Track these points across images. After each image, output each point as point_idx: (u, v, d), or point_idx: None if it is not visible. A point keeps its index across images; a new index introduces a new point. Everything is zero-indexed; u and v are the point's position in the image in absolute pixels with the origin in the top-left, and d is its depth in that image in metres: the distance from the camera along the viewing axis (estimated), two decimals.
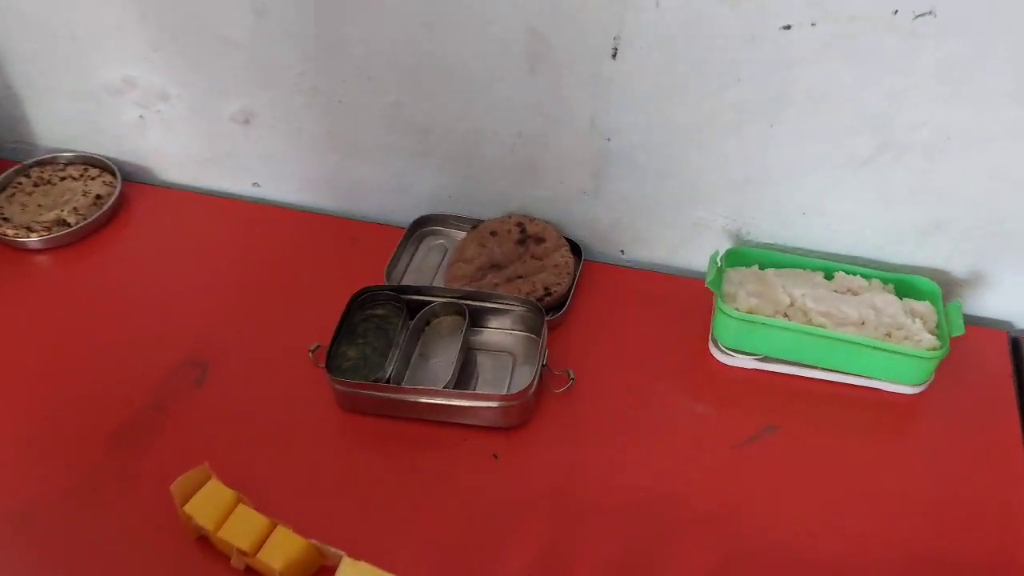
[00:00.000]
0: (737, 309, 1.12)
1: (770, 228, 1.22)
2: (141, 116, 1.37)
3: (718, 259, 1.17)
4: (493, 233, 1.30)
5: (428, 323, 1.20)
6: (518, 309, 1.18)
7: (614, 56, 1.09)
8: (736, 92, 1.08)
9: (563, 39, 1.09)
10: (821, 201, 1.16)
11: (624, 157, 1.19)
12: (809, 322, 1.12)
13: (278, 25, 1.19)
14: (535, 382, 1.06)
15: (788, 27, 1.01)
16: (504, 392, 1.11)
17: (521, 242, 1.29)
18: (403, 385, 1.10)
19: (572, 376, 1.12)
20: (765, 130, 1.11)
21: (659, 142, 1.16)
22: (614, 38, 1.07)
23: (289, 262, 1.32)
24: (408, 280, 1.28)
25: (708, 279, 1.14)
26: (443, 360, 1.15)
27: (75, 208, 1.35)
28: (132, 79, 1.32)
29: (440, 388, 1.07)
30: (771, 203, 1.19)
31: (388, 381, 1.09)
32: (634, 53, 1.08)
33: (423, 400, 1.07)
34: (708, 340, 1.18)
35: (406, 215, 1.30)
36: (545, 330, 1.13)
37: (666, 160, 1.18)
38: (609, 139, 1.18)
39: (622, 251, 1.32)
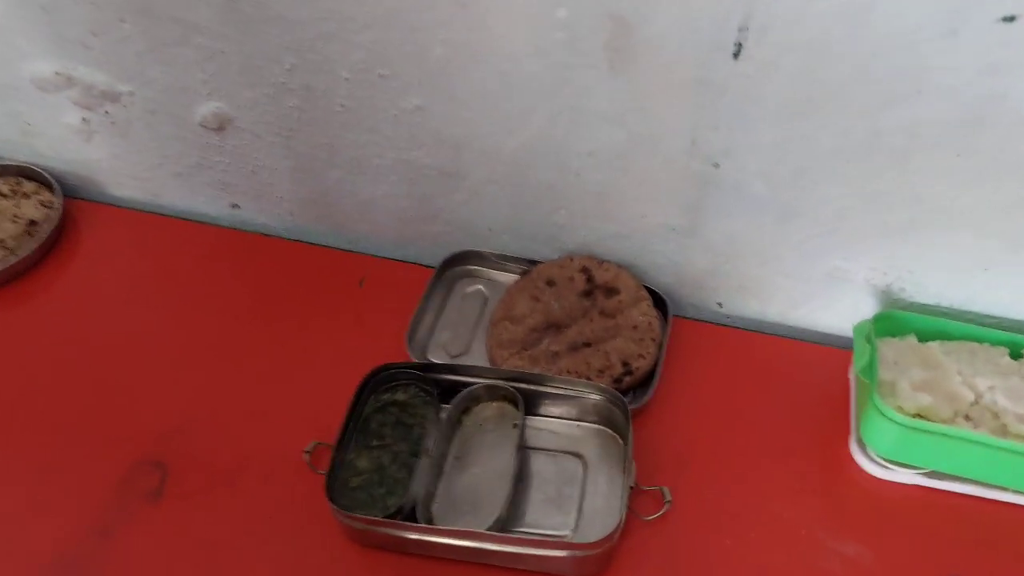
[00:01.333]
0: (901, 409, 0.81)
1: (935, 285, 0.90)
2: (84, 119, 1.04)
3: (868, 333, 0.84)
4: (550, 282, 0.98)
5: (466, 410, 0.89)
6: (592, 397, 0.86)
7: (736, 55, 0.75)
8: (912, 109, 0.75)
9: (659, 29, 0.76)
10: (1015, 254, 0.83)
11: (735, 187, 0.87)
12: (1003, 428, 0.80)
13: (256, 4, 0.85)
14: (621, 521, 0.75)
15: (1011, 18, 0.67)
16: (573, 523, 0.81)
17: (587, 294, 0.97)
18: (435, 523, 0.79)
19: (668, 497, 0.81)
20: (949, 161, 0.78)
21: (788, 171, 0.83)
22: (738, 29, 0.73)
23: (278, 312, 1.01)
24: (439, 341, 0.97)
25: (858, 362, 0.82)
26: (488, 471, 0.84)
27: (0, 240, 1.03)
28: (67, 73, 0.99)
29: (486, 530, 0.76)
30: (942, 254, 0.86)
31: (414, 511, 0.78)
32: (765, 50, 0.74)
33: (464, 544, 0.77)
34: (850, 440, 0.87)
35: (432, 251, 1.04)
36: (631, 431, 0.82)
37: (796, 194, 0.85)
38: (717, 165, 0.85)
39: (719, 304, 1.00)
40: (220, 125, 1.00)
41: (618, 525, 0.75)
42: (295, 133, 0.98)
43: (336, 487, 0.80)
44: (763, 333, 0.98)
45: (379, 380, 0.88)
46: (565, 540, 0.78)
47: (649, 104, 0.82)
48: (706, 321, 1.00)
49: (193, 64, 0.93)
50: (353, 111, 0.93)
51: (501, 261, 1.03)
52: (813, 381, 0.93)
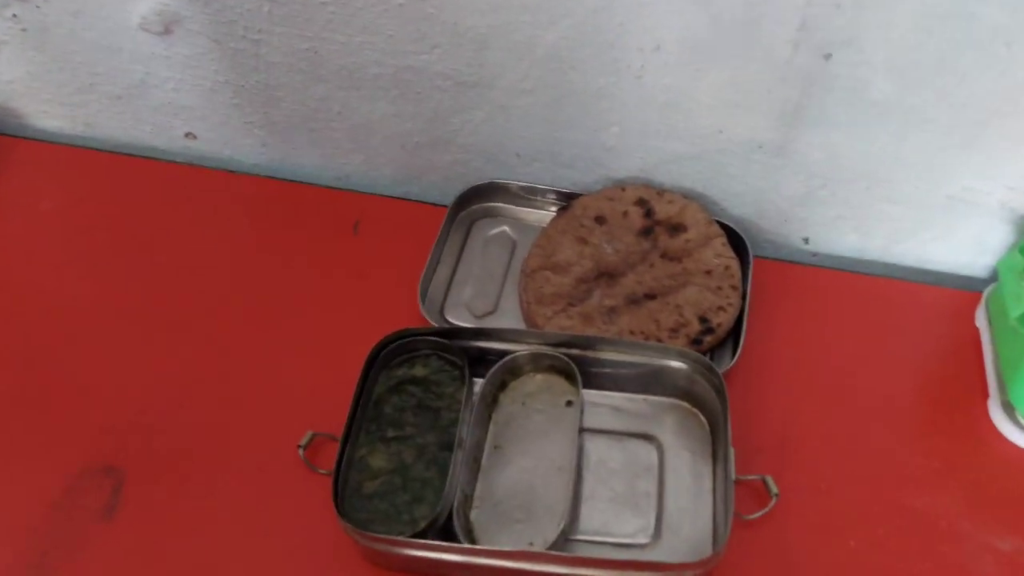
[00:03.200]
0: None
1: None
2: None
3: (1021, 264, 0.66)
4: (600, 219, 0.77)
5: (504, 386, 0.69)
6: (670, 364, 0.67)
7: None
8: None
9: None
10: None
11: (851, 87, 0.67)
12: None
13: None
14: (727, 527, 0.57)
15: None
16: (652, 527, 0.63)
17: (647, 232, 0.77)
18: (476, 535, 0.61)
19: (774, 489, 0.63)
20: None
21: (928, 62, 0.64)
22: None
23: (253, 269, 0.80)
24: (459, 299, 0.77)
25: (1014, 308, 0.64)
26: (539, 464, 0.65)
27: None
28: None
29: (550, 548, 0.57)
30: None
31: (449, 518, 0.59)
32: None
33: (524, 567, 0.58)
34: (989, 405, 0.69)
35: (443, 186, 0.84)
36: (727, 409, 0.63)
37: (932, 95, 0.66)
38: (830, 55, 0.65)
39: (806, 240, 0.81)
40: (166, 27, 0.77)
41: (722, 534, 0.57)
42: (266, 35, 0.76)
43: (347, 495, 0.61)
44: (858, 273, 0.80)
45: (391, 352, 0.67)
46: (661, 562, 0.59)
47: None
48: (788, 261, 0.81)
49: None
50: (341, 2, 0.71)
51: (530, 196, 0.83)
52: (931, 330, 0.76)
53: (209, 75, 0.81)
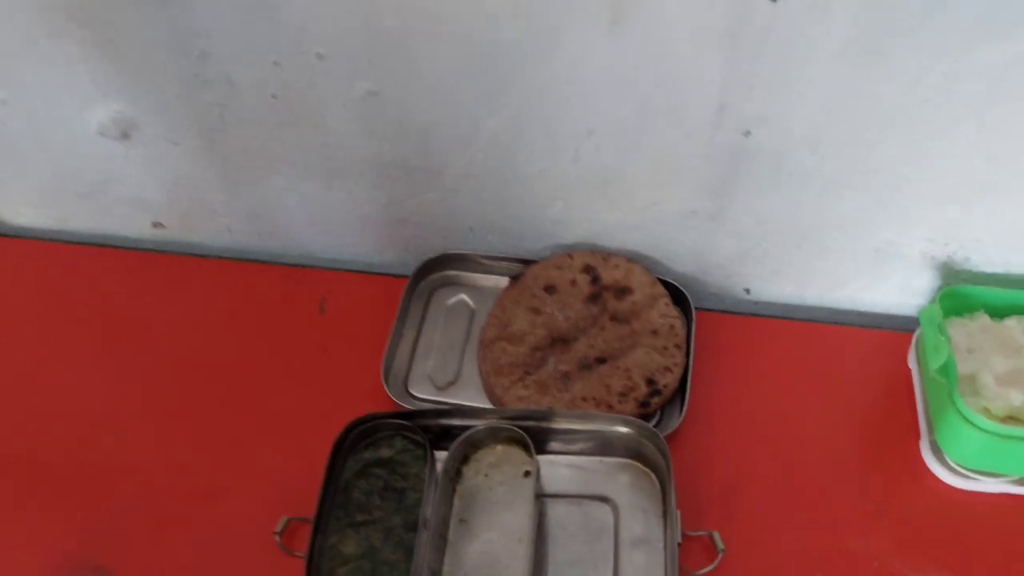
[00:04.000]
0: (987, 412, 0.67)
1: (1002, 252, 0.76)
2: None
3: (940, 322, 0.70)
4: (550, 288, 0.82)
5: (466, 459, 0.73)
6: (618, 430, 0.72)
7: None
8: (999, 49, 0.59)
9: None
10: None
11: (773, 159, 0.72)
12: None
13: None
14: None
15: None
16: None
17: (595, 297, 0.81)
18: None
19: (720, 545, 0.67)
20: None
21: (838, 136, 0.68)
22: None
23: (224, 352, 0.84)
24: (422, 370, 0.81)
25: (933, 360, 0.68)
26: (502, 534, 0.69)
27: None
28: None
29: None
30: (1015, 218, 0.72)
31: None
32: None
33: None
34: (921, 445, 0.74)
35: (404, 259, 0.88)
36: (671, 474, 0.67)
37: (846, 162, 0.71)
38: (748, 133, 0.69)
39: (747, 290, 0.85)
40: (124, 132, 0.80)
41: None
42: (220, 135, 0.79)
43: None
44: (798, 320, 0.84)
45: (357, 436, 0.71)
46: None
47: (664, 67, 0.65)
48: (731, 312, 0.85)
49: (76, 60, 0.74)
50: (290, 103, 0.75)
51: (487, 262, 0.87)
52: (866, 373, 0.80)
53: (170, 172, 0.84)
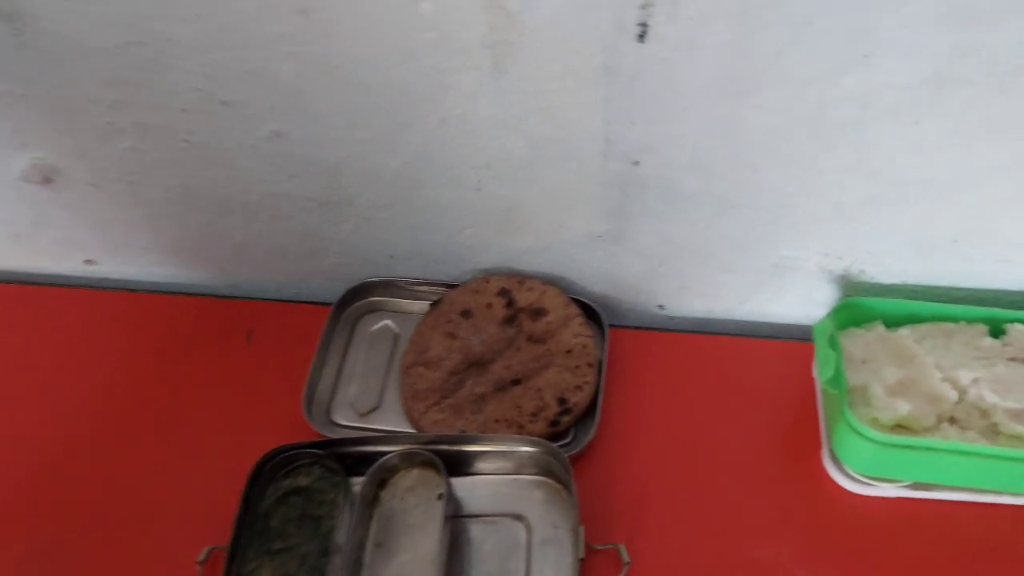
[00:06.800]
0: (877, 422, 0.70)
1: (898, 263, 0.79)
2: None
3: (832, 335, 0.73)
4: (466, 313, 0.84)
5: (383, 484, 0.76)
6: (524, 449, 0.74)
7: (642, 36, 0.61)
8: (862, 75, 0.62)
9: (545, 16, 0.62)
10: (988, 221, 0.73)
11: (662, 185, 0.74)
12: (993, 428, 0.70)
13: (50, 36, 0.68)
14: None
15: None
16: None
17: (510, 320, 0.84)
18: None
19: (626, 558, 0.70)
20: (907, 129, 0.66)
21: (722, 160, 0.71)
22: (640, 7, 0.60)
23: (152, 384, 0.86)
24: (344, 398, 0.83)
25: (823, 373, 0.71)
26: (416, 556, 0.72)
27: None
28: None
29: None
30: (904, 229, 0.75)
31: None
32: (677, 27, 0.61)
33: None
34: (822, 454, 0.76)
35: (329, 287, 0.91)
36: (574, 485, 0.70)
37: (731, 184, 0.73)
38: (637, 162, 0.72)
39: (661, 306, 0.88)
40: (46, 178, 0.83)
41: None
42: (140, 178, 0.82)
43: None
44: (712, 334, 0.87)
45: (274, 465, 0.74)
46: None
47: (548, 104, 0.68)
48: (649, 328, 0.88)
49: None
50: (202, 146, 0.77)
51: (410, 287, 0.89)
52: (773, 384, 0.82)
53: (95, 214, 0.86)
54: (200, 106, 0.73)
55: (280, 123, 0.74)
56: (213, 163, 0.79)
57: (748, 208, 0.75)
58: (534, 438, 0.73)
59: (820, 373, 0.72)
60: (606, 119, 0.68)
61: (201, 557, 0.71)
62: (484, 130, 0.71)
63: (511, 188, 0.76)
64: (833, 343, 0.72)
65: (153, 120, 0.75)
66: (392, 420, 0.81)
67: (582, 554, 0.68)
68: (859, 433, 0.68)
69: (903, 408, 0.70)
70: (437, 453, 0.74)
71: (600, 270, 0.84)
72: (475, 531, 0.74)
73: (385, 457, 0.74)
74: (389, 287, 0.89)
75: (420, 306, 0.89)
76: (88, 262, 0.94)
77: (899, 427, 0.71)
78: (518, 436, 0.74)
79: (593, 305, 0.85)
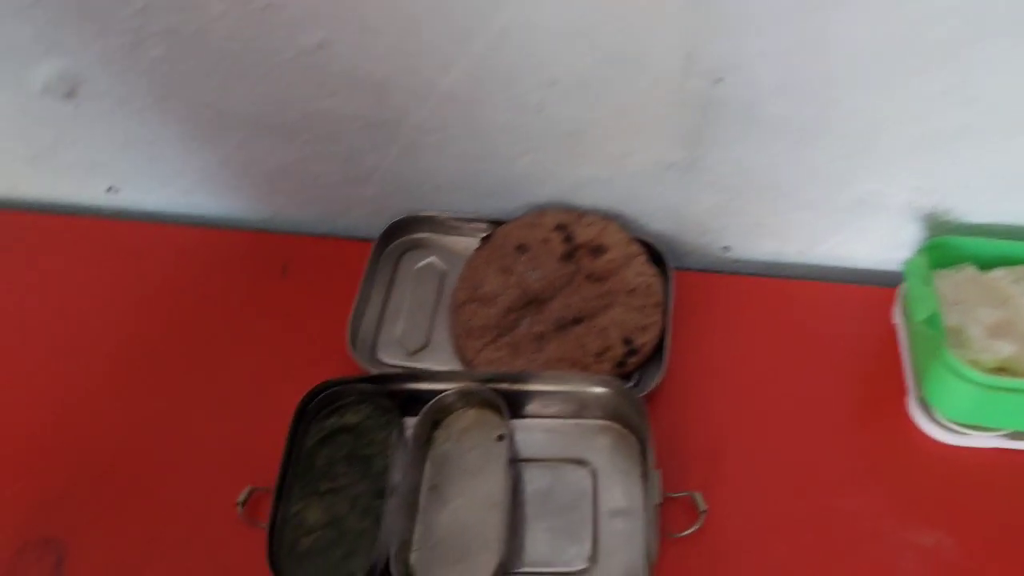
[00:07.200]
0: (977, 364, 0.65)
1: (990, 201, 0.73)
2: None
3: (927, 273, 0.68)
4: (521, 247, 0.78)
5: (436, 424, 0.70)
6: (594, 391, 0.69)
7: None
8: None
9: None
10: None
11: (745, 107, 0.68)
12: None
13: None
14: (656, 550, 0.59)
15: None
16: (589, 551, 0.65)
17: (569, 256, 0.78)
18: None
19: (702, 505, 0.65)
20: (1013, 50, 0.60)
21: (810, 81, 0.65)
22: None
23: (184, 320, 0.81)
24: (391, 336, 0.78)
25: (919, 311, 0.66)
26: (475, 501, 0.67)
27: None
28: None
29: None
30: (1001, 162, 0.69)
31: (388, 570, 0.61)
32: None
33: None
34: (907, 402, 0.71)
35: (370, 221, 0.84)
36: (650, 433, 0.65)
37: (820, 109, 0.67)
38: (720, 79, 0.66)
39: (726, 248, 0.82)
40: (71, 90, 0.76)
41: (652, 555, 0.59)
42: (170, 92, 0.75)
43: (283, 553, 0.62)
44: (780, 277, 0.81)
45: (319, 402, 0.68)
46: None
47: (625, 11, 0.62)
48: (710, 271, 0.82)
49: (14, 12, 0.70)
50: (237, 57, 0.71)
51: (456, 223, 0.83)
52: (850, 330, 0.77)
53: (120, 132, 0.80)
54: (238, 9, 0.67)
55: (324, 31, 0.68)
56: (249, 77, 0.72)
57: (834, 136, 0.69)
58: (607, 377, 0.67)
59: (915, 313, 0.66)
60: (689, 31, 0.62)
61: (241, 498, 0.66)
62: (549, 42, 0.65)
63: (577, 109, 0.70)
64: (928, 281, 0.67)
65: (185, 25, 0.69)
66: (442, 359, 0.76)
67: (659, 499, 0.63)
68: (960, 375, 0.63)
69: (1005, 349, 0.65)
70: (497, 392, 0.68)
71: (665, 205, 0.78)
72: (536, 476, 0.69)
73: (441, 395, 0.69)
74: (433, 223, 0.84)
75: (466, 244, 0.83)
76: (111, 190, 0.88)
77: (1000, 370, 0.66)
78: (589, 375, 0.68)
79: (655, 244, 0.79)
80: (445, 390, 0.69)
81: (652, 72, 0.66)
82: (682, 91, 0.67)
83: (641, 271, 0.77)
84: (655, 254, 0.79)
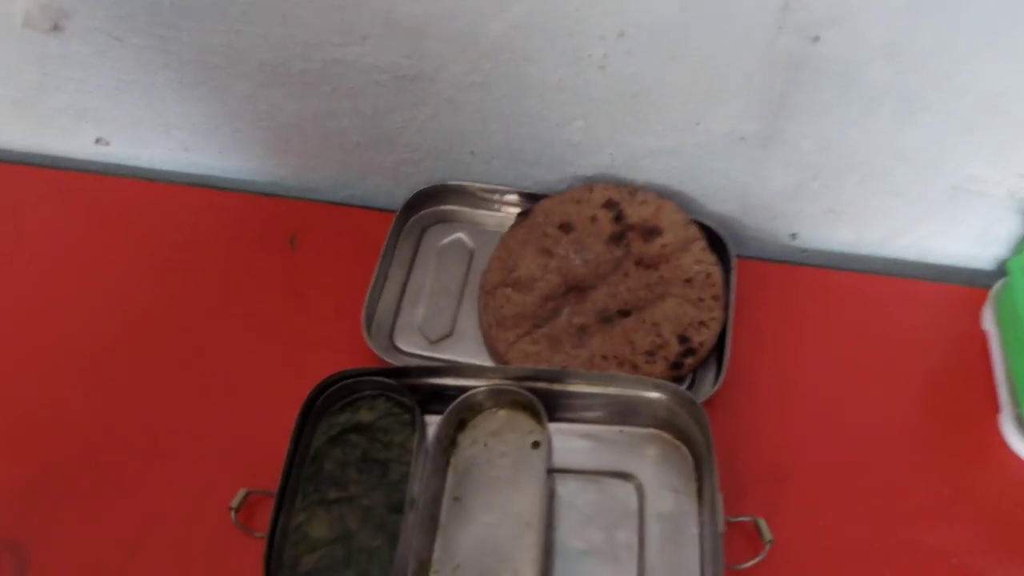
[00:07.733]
0: None
1: None
2: None
3: None
4: (565, 226, 0.69)
5: (461, 426, 0.61)
6: (646, 395, 0.59)
7: None
8: None
9: None
10: None
11: (842, 71, 0.59)
12: None
13: None
14: None
15: None
16: None
17: (618, 238, 0.69)
18: None
19: (768, 535, 0.56)
20: None
21: (924, 43, 0.55)
22: None
23: (177, 294, 0.72)
24: (410, 321, 0.69)
25: None
26: (505, 516, 0.57)
27: None
28: None
29: None
30: None
31: None
32: None
33: None
34: (1000, 420, 0.62)
35: (391, 189, 0.76)
36: (713, 450, 0.56)
37: (929, 79, 0.58)
38: (817, 38, 0.56)
39: (793, 235, 0.73)
40: (54, 23, 0.67)
41: None
42: (173, 31, 0.66)
43: (281, 573, 0.53)
44: (853, 271, 0.72)
45: (330, 396, 0.59)
46: None
47: None
48: (775, 260, 0.73)
49: None
50: None
51: (488, 197, 0.74)
52: (934, 334, 0.68)
53: (113, 74, 0.71)
54: None
55: None
56: (266, 14, 0.63)
57: (942, 111, 0.60)
58: (663, 381, 0.58)
59: (1023, 319, 0.57)
60: None
61: (235, 501, 0.57)
62: None
63: (645, 66, 0.61)
64: None
65: None
66: (468, 350, 0.67)
67: (723, 528, 0.54)
68: None
69: None
70: (532, 392, 0.59)
71: (734, 183, 0.69)
72: (571, 490, 0.60)
73: (469, 393, 0.60)
74: (463, 194, 0.75)
75: (500, 219, 0.74)
76: (100, 141, 0.78)
77: None
78: (642, 377, 0.59)
79: (717, 229, 0.69)
80: (473, 387, 0.60)
81: (741, 24, 0.57)
82: (772, 48, 0.58)
83: (700, 258, 0.68)
84: (715, 239, 0.70)
